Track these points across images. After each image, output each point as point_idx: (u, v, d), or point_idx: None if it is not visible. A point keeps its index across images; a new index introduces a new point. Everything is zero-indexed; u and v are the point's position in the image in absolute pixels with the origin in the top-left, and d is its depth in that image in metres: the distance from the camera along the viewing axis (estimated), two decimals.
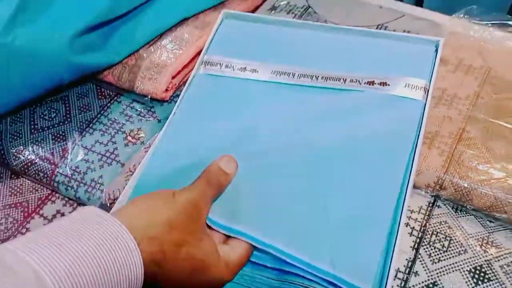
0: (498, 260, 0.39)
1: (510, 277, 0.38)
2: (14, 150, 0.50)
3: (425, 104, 0.42)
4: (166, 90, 0.52)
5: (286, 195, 0.38)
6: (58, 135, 0.51)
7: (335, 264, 0.34)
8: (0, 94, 0.50)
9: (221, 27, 0.51)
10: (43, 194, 0.50)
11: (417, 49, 0.45)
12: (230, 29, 0.51)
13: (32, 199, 0.50)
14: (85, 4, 0.53)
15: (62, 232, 0.27)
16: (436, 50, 0.45)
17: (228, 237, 0.35)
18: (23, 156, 0.50)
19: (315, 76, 0.45)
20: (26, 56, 0.48)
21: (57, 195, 0.50)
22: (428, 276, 0.38)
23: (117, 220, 0.29)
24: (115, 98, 0.54)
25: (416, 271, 0.39)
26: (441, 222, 0.42)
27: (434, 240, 0.40)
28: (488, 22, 0.58)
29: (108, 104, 0.53)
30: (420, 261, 0.39)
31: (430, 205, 0.43)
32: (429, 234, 0.41)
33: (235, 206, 0.37)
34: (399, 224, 0.35)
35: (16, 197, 0.50)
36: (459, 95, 0.50)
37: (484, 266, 0.39)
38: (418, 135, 0.40)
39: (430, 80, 0.43)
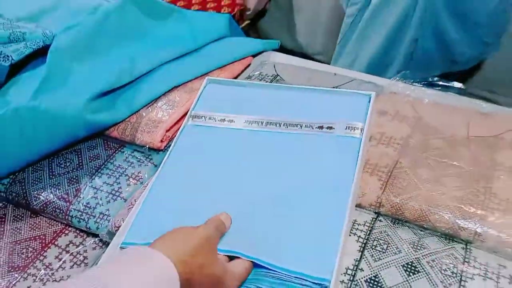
0: (425, 257, 0.49)
1: (435, 269, 0.48)
2: (35, 193, 0.61)
3: (361, 140, 0.54)
4: (161, 141, 0.64)
5: (261, 221, 0.49)
6: (72, 179, 0.62)
7: (301, 265, 0.44)
8: (27, 148, 0.62)
9: (205, 89, 0.65)
10: (57, 228, 0.60)
11: (356, 100, 0.59)
12: (213, 91, 0.65)
13: (48, 232, 0.59)
14: (97, 75, 0.68)
15: (126, 265, 0.38)
16: (369, 101, 0.59)
17: (230, 258, 0.46)
18: (43, 197, 0.60)
19: (279, 123, 0.58)
20: (50, 117, 0.61)
21: (69, 228, 0.60)
22: (371, 271, 0.48)
23: (158, 252, 0.39)
24: (119, 149, 0.66)
25: (362, 268, 0.49)
26: (381, 231, 0.52)
27: (376, 244, 0.51)
28: (419, 83, 0.73)
29: (114, 154, 0.65)
30: (365, 260, 0.49)
31: (373, 219, 0.54)
32: (371, 240, 0.51)
33: (227, 234, 0.47)
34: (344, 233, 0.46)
35: (35, 232, 0.59)
36: (395, 137, 0.63)
37: (414, 262, 0.49)
38: (358, 163, 0.52)
39: (365, 122, 0.56)
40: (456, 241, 0.51)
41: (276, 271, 0.44)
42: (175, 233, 0.43)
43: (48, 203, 0.59)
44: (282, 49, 0.90)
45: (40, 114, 0.60)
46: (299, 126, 0.57)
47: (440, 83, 0.76)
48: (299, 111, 0.59)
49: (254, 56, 0.85)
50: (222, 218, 0.48)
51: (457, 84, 0.74)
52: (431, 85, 0.74)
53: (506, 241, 0.49)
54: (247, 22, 1.59)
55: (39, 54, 0.74)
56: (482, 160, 0.58)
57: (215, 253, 0.44)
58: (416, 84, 0.74)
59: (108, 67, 0.69)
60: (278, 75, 0.78)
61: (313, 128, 0.56)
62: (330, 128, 0.56)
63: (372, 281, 0.47)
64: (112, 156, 0.65)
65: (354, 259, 0.50)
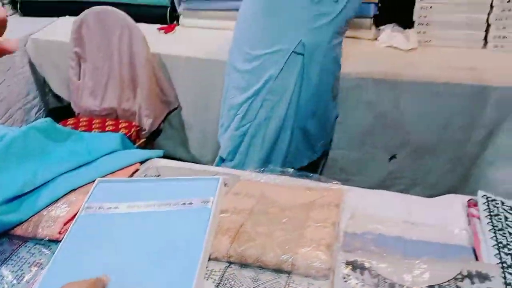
0: (260, 286, 0.69)
1: None
2: None
3: (212, 209, 0.76)
4: (59, 232, 0.80)
5: (134, 277, 0.66)
6: None
7: None
8: None
9: (96, 187, 0.83)
10: None
11: (209, 183, 0.82)
12: (103, 188, 0.83)
13: None
14: (4, 187, 0.83)
15: None
16: (218, 183, 0.82)
17: None
18: None
19: (153, 204, 0.78)
20: None
21: None
22: None
23: None
24: (23, 244, 0.79)
25: None
26: (231, 273, 0.71)
27: (226, 283, 0.69)
28: (270, 172, 0.99)
29: (18, 248, 0.78)
30: None
31: (226, 267, 0.73)
32: (223, 280, 0.70)
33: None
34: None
35: None
36: (243, 208, 0.85)
37: None
38: (209, 225, 0.73)
39: (215, 197, 0.78)
40: (281, 272, 0.72)
41: None
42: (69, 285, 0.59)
43: None
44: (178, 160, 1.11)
45: None
46: (169, 204, 0.77)
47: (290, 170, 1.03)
48: (169, 194, 0.80)
49: (141, 163, 1.06)
50: (103, 277, 0.64)
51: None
52: (280, 173, 1.00)
53: (312, 267, 0.70)
54: (143, 140, 1.83)
55: None
56: (300, 217, 0.82)
57: None
58: (269, 173, 0.99)
59: (14, 180, 0.86)
60: (159, 174, 1.00)
61: (177, 205, 0.77)
62: (191, 203, 0.77)
63: None
64: (16, 250, 0.78)
65: None
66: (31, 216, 0.81)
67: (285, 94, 1.27)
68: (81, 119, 1.82)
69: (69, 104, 2.01)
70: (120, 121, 1.79)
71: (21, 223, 0.80)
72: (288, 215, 0.83)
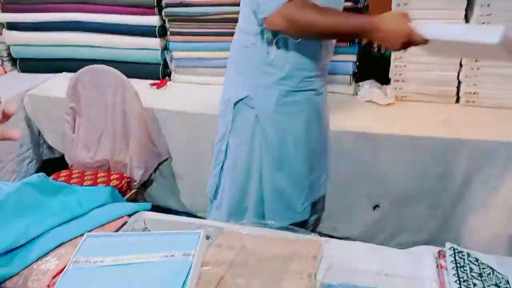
0: None
1: None
2: None
3: (193, 261, 0.81)
4: (48, 286, 0.84)
5: None
6: None
7: None
8: None
9: (85, 242, 0.88)
10: None
11: (191, 236, 0.87)
12: (91, 243, 0.88)
13: None
14: None
15: None
16: (199, 236, 0.87)
17: None
18: None
19: (137, 257, 0.82)
20: None
21: None
22: None
23: None
24: None
25: None
26: None
27: None
28: (252, 224, 1.04)
29: None
30: None
31: None
32: None
33: None
34: None
35: None
36: (222, 260, 0.90)
37: None
38: (190, 275, 0.78)
39: (196, 249, 0.83)
40: None
41: None
42: None
43: None
44: (169, 211, 1.17)
45: None
46: (152, 257, 0.82)
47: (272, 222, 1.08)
48: (153, 247, 0.85)
49: (130, 215, 1.11)
50: None
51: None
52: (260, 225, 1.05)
53: None
54: (134, 191, 1.88)
55: None
56: (278, 269, 0.87)
57: None
58: (252, 225, 1.04)
59: (8, 234, 0.90)
60: (146, 227, 1.05)
61: (161, 257, 0.82)
62: (173, 255, 0.82)
63: None
64: None
65: None
66: (22, 270, 0.86)
67: (244, 137, 1.34)
68: (73, 171, 1.87)
69: (62, 155, 2.07)
70: (112, 173, 1.85)
71: (11, 276, 0.84)
72: (266, 267, 0.88)
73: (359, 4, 1.84)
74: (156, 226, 1.05)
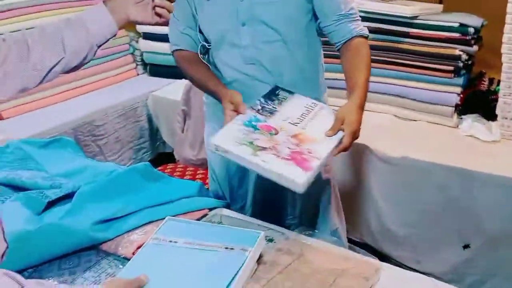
0: None
1: None
2: (49, 279, 0.95)
3: (248, 256, 0.90)
4: (133, 253, 1.00)
5: None
6: (71, 272, 0.96)
7: None
8: (49, 251, 0.98)
9: (165, 223, 1.04)
10: None
11: (252, 234, 0.97)
12: (170, 224, 1.04)
13: None
14: (100, 211, 1.08)
15: None
16: (259, 236, 0.96)
17: None
18: (53, 279, 0.94)
19: (204, 244, 0.95)
20: (69, 232, 1.00)
21: None
22: None
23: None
24: (105, 257, 1.02)
25: None
26: None
27: None
28: (306, 232, 1.11)
29: (101, 260, 1.01)
30: None
31: None
32: None
33: None
34: None
35: None
36: (278, 263, 0.98)
37: None
38: (242, 268, 0.87)
39: (253, 247, 0.93)
40: None
41: None
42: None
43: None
44: None
45: (63, 228, 1.00)
46: (215, 246, 0.94)
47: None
48: (218, 238, 0.97)
49: (210, 209, 1.26)
50: (142, 276, 0.82)
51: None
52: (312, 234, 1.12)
53: None
54: None
55: (68, 196, 1.17)
56: (327, 281, 0.92)
57: None
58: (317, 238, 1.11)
59: (110, 206, 1.11)
60: (221, 222, 1.18)
61: (222, 248, 0.94)
62: (232, 249, 0.93)
63: None
64: (99, 261, 1.01)
65: None
66: (115, 237, 1.04)
67: None
68: (178, 166, 2.12)
69: (173, 151, 2.35)
70: None
71: (107, 240, 1.03)
72: (316, 277, 0.94)
73: (467, 36, 1.78)
74: (230, 222, 1.18)
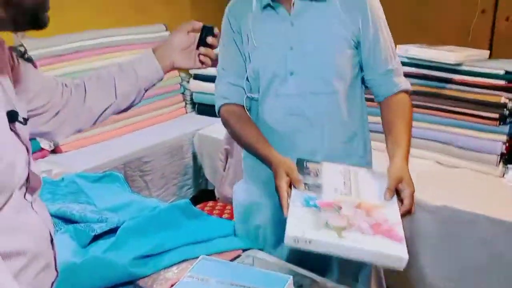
0: None
1: None
2: None
3: None
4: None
5: None
6: None
7: None
8: (92, 283, 1.05)
9: (199, 262, 1.08)
10: None
11: (281, 278, 0.99)
12: (204, 263, 1.08)
13: None
14: (140, 246, 1.15)
15: None
16: (287, 281, 0.98)
17: None
18: None
19: (233, 284, 0.98)
20: (110, 265, 1.07)
21: None
22: None
23: None
24: None
25: None
26: None
27: None
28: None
29: None
30: None
31: None
32: None
33: None
34: None
35: None
36: None
37: None
38: None
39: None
40: None
41: None
42: None
43: None
44: None
45: (105, 262, 1.07)
46: (245, 287, 0.97)
47: None
48: (248, 279, 0.99)
49: (244, 250, 1.29)
50: None
51: None
52: None
53: None
54: None
55: (113, 231, 1.25)
56: None
57: None
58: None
59: (149, 242, 1.17)
60: (253, 264, 1.20)
61: None
62: None
63: None
64: None
65: None
66: (152, 273, 1.10)
67: None
68: (218, 204, 2.18)
69: (214, 188, 2.42)
70: None
71: (144, 276, 1.09)
72: None
73: None
74: (262, 265, 1.20)
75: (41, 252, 0.75)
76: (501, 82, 1.79)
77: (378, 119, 1.22)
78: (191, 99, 2.88)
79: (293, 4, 1.17)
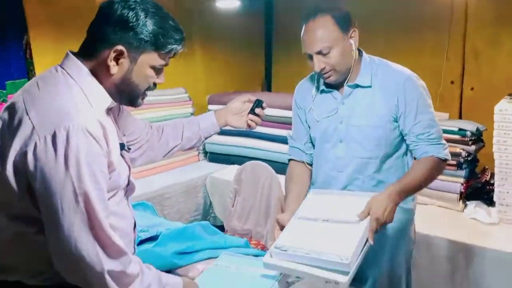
0: None
1: None
2: None
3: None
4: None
5: None
6: None
7: None
8: None
9: (222, 256, 1.47)
10: None
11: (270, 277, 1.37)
12: (225, 257, 1.46)
13: None
14: (176, 246, 1.55)
15: None
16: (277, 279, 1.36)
17: None
18: None
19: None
20: (157, 256, 1.46)
21: None
22: None
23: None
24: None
25: None
26: None
27: None
28: None
29: None
30: None
31: None
32: None
33: None
34: None
35: None
36: None
37: None
38: None
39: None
40: None
41: None
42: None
43: None
44: None
45: (154, 253, 1.46)
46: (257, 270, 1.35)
47: None
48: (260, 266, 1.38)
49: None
50: None
51: None
52: None
53: None
54: None
55: (152, 239, 1.64)
56: None
57: None
58: None
59: (183, 244, 1.56)
60: None
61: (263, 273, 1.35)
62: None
63: None
64: None
65: None
66: (185, 265, 1.49)
67: None
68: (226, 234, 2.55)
69: (222, 224, 2.80)
70: (252, 240, 2.46)
71: (181, 266, 1.47)
72: None
73: (465, 138, 2.21)
74: None
75: (129, 233, 1.15)
76: (456, 137, 2.24)
77: None
78: (204, 148, 3.33)
79: (344, 89, 1.51)
